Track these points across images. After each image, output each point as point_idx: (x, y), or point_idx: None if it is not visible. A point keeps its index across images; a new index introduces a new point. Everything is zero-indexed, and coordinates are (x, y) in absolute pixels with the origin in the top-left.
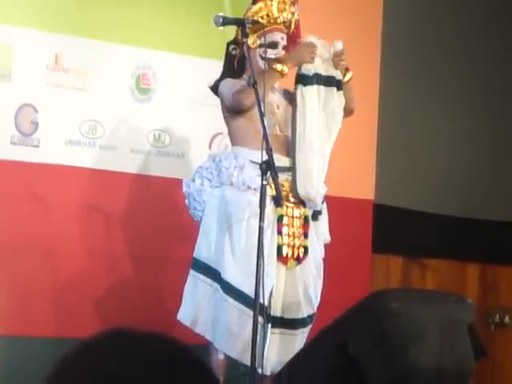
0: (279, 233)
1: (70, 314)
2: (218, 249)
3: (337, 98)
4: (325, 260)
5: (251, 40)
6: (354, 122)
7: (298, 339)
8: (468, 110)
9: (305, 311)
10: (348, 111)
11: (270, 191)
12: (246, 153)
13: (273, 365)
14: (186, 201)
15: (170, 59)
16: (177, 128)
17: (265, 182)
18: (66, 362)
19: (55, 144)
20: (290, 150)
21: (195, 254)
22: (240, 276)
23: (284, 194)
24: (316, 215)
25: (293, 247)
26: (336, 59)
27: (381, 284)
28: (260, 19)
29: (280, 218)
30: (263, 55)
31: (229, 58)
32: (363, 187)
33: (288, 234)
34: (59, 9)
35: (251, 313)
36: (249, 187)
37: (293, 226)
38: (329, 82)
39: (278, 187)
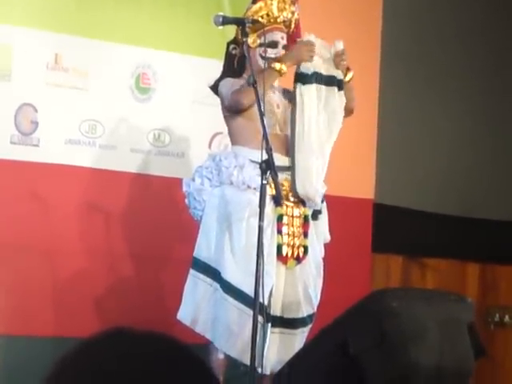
0: (279, 232)
1: (70, 313)
2: (218, 248)
3: (338, 98)
4: (325, 259)
5: (251, 39)
6: (353, 121)
7: (298, 339)
8: (467, 109)
9: (305, 311)
10: (348, 111)
11: (270, 190)
12: (245, 152)
13: (272, 364)
14: (186, 200)
15: (169, 59)
16: (177, 127)
17: (264, 182)
18: (66, 362)
19: (55, 143)
20: (289, 148)
21: (195, 254)
22: (240, 275)
23: (284, 193)
24: (316, 214)
25: (293, 247)
26: (337, 59)
27: (381, 283)
28: (260, 18)
29: (280, 218)
30: (263, 54)
31: (229, 58)
32: (363, 186)
33: (288, 234)
34: (59, 8)
35: (251, 312)
36: (249, 186)
37: (293, 225)
38: (330, 81)
39: (277, 186)
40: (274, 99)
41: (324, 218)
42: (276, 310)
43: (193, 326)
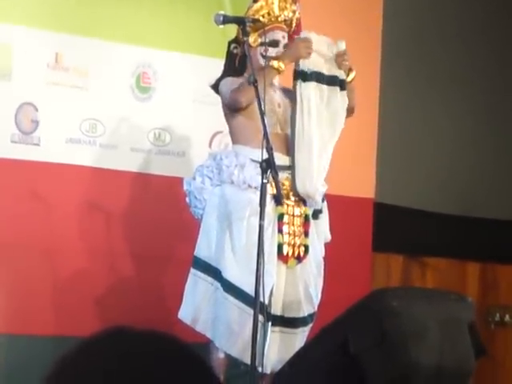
0: (280, 231)
1: (71, 312)
2: (219, 247)
3: (340, 98)
4: (325, 259)
5: (252, 38)
6: (354, 120)
7: (299, 338)
8: (469, 108)
9: (305, 310)
10: (349, 111)
11: (271, 190)
12: (246, 151)
13: (273, 363)
14: (187, 199)
15: (170, 58)
16: (177, 126)
17: (265, 181)
18: (67, 361)
19: (55, 142)
20: (289, 146)
21: (196, 253)
22: (240, 274)
23: (284, 192)
24: (317, 214)
25: (293, 246)
26: (339, 59)
27: (381, 283)
28: (261, 18)
29: (281, 217)
30: (264, 54)
31: (230, 57)
32: (364, 186)
33: (288, 233)
34: (59, 8)
35: (251, 311)
36: (249, 186)
37: (293, 224)
38: (332, 81)
39: (278, 186)
40: (275, 98)
41: (325, 217)
42: (277, 309)
43: (193, 325)
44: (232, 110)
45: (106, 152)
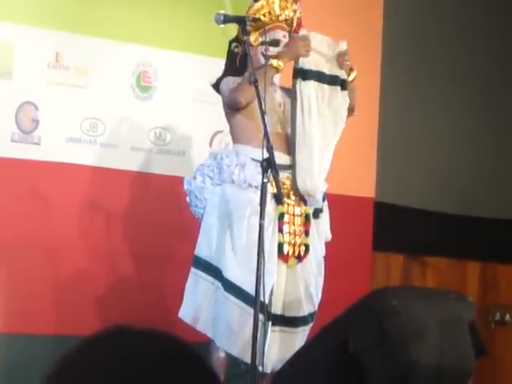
0: (280, 231)
1: (72, 311)
2: (219, 247)
3: (341, 98)
4: (325, 258)
5: (253, 38)
6: (354, 120)
7: (299, 337)
8: (468, 108)
9: (306, 309)
10: (350, 111)
11: (271, 189)
12: (247, 151)
13: (273, 363)
14: (187, 198)
15: (170, 57)
16: (178, 126)
17: (265, 180)
18: (67, 360)
19: (56, 142)
20: (290, 144)
21: (196, 252)
22: (241, 274)
23: (285, 191)
24: (317, 213)
25: (294, 245)
26: (340, 59)
27: (381, 282)
28: (262, 17)
29: (281, 216)
30: (265, 53)
31: (231, 56)
32: (364, 185)
33: (289, 232)
34: (59, 7)
35: (252, 311)
36: (250, 185)
37: (294, 224)
38: (333, 81)
39: (278, 185)
40: (276, 97)
41: (325, 216)
42: (277, 309)
43: (194, 324)
44: (232, 109)
45: (107, 151)
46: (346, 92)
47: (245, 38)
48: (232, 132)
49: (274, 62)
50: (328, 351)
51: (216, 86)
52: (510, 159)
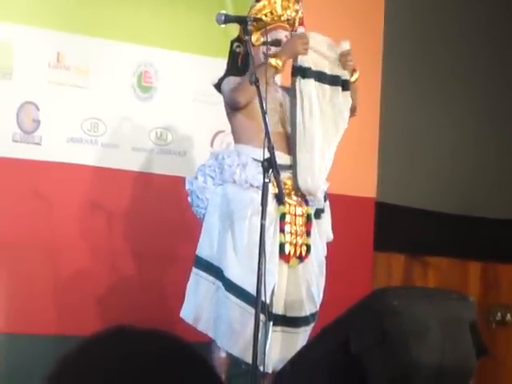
0: (282, 231)
1: (72, 311)
2: (221, 247)
3: (342, 98)
4: (327, 258)
5: (255, 37)
6: (356, 120)
7: (300, 337)
8: (470, 109)
9: (307, 309)
10: (352, 111)
11: (273, 189)
12: (248, 151)
13: (275, 363)
14: (189, 198)
15: (171, 57)
16: (179, 126)
17: (267, 180)
18: (68, 360)
19: (57, 142)
20: (290, 142)
21: (197, 252)
22: (242, 274)
23: (286, 191)
24: (319, 213)
25: (295, 245)
26: (343, 59)
27: (382, 282)
28: (264, 17)
29: (283, 216)
30: (266, 53)
31: (233, 56)
32: (365, 185)
33: (290, 232)
34: (60, 7)
35: (253, 310)
36: (251, 185)
37: (295, 224)
38: (334, 81)
39: (279, 185)
40: (277, 97)
41: (327, 216)
42: (278, 309)
43: (195, 324)
44: (232, 109)
45: (108, 151)
46: (348, 92)
47: (246, 37)
48: (233, 132)
49: (273, 61)
50: (329, 351)
51: (218, 86)
52: (511, 160)
